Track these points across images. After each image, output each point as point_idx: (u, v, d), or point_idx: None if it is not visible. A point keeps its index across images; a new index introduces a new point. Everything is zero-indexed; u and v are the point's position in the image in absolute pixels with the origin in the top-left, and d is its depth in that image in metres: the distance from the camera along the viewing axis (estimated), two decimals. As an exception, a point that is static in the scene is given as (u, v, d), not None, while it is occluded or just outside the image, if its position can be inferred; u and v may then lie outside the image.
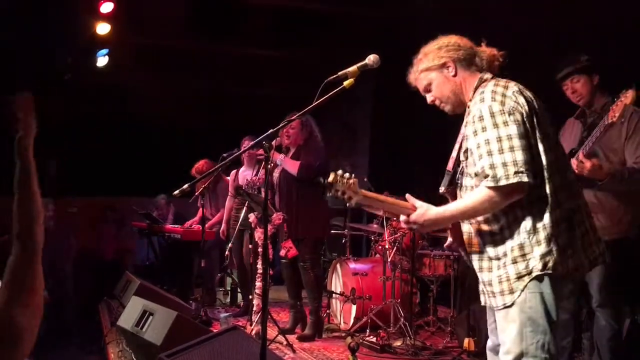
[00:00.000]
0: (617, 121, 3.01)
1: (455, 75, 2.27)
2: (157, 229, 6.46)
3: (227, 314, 5.21)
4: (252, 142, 2.84)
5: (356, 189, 2.23)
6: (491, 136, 2.04)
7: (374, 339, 4.64)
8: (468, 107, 2.25)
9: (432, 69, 2.29)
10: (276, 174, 5.00)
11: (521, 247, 2.08)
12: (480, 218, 2.18)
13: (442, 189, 2.39)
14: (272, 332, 4.58)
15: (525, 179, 2.00)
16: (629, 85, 2.98)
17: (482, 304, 2.29)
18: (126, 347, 4.19)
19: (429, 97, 2.35)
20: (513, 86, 2.15)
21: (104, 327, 5.13)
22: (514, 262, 2.09)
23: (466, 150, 2.20)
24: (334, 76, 2.40)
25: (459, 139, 2.33)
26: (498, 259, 2.14)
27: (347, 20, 6.93)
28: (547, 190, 2.07)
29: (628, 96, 2.95)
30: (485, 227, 2.16)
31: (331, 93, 2.39)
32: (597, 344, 3.43)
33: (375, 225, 5.55)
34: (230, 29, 6.96)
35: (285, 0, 6.96)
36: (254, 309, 4.67)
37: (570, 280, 2.16)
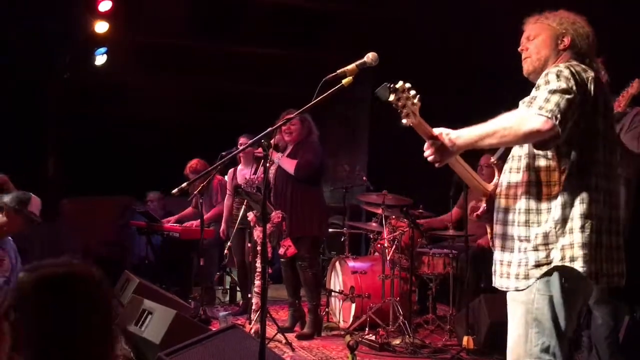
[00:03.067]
0: (622, 110, 3.04)
1: (563, 50, 2.20)
2: (155, 227, 6.45)
3: (226, 312, 5.22)
4: (251, 140, 2.84)
5: (416, 111, 2.15)
6: (551, 85, 2.01)
7: (373, 338, 4.64)
8: None
9: (552, 29, 2.21)
10: (272, 172, 4.99)
11: (545, 235, 2.05)
12: (512, 196, 2.14)
13: (493, 159, 2.35)
14: (271, 330, 4.58)
15: (555, 121, 1.95)
16: (636, 76, 3.00)
17: (493, 284, 2.25)
18: (125, 345, 4.18)
19: (523, 44, 2.28)
20: (591, 73, 2.10)
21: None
22: (536, 249, 2.06)
23: None
24: (333, 74, 2.39)
25: None
26: (521, 241, 2.11)
27: (347, 20, 6.93)
28: (586, 184, 2.04)
29: (634, 86, 2.98)
30: (515, 206, 2.13)
31: (330, 91, 2.38)
32: (594, 343, 3.43)
33: (374, 224, 5.54)
34: (229, 27, 6.95)
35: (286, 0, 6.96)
36: (253, 307, 4.67)
37: (584, 282, 2.07)
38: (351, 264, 5.26)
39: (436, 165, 2.17)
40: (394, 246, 5.11)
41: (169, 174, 6.10)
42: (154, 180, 7.56)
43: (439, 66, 6.15)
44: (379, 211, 5.29)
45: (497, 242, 2.21)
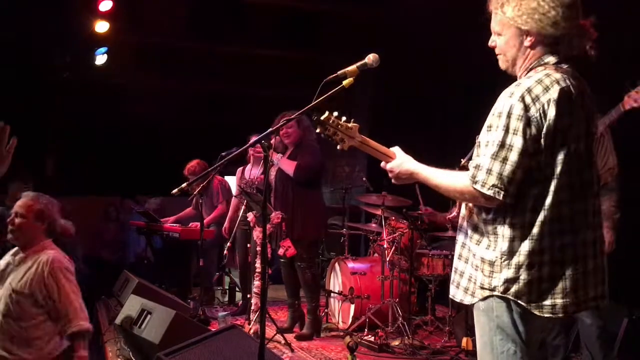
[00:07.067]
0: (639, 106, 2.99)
1: (530, 47, 2.02)
2: (155, 227, 6.45)
3: (225, 312, 5.21)
4: (250, 142, 2.84)
5: (354, 133, 2.20)
6: (495, 138, 1.93)
7: (372, 338, 4.64)
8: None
9: (512, 26, 2.01)
10: (272, 173, 4.99)
11: (491, 263, 1.99)
12: (470, 208, 2.10)
13: (463, 161, 2.35)
14: (270, 331, 4.58)
15: (499, 196, 1.91)
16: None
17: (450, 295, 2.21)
18: (124, 345, 4.19)
19: (492, 41, 2.12)
20: (555, 92, 1.92)
21: (102, 326, 5.13)
22: (482, 271, 2.02)
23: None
24: (333, 75, 2.39)
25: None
26: (473, 255, 2.07)
27: (347, 20, 6.94)
28: (540, 217, 1.93)
29: None
30: (475, 220, 2.09)
31: (330, 92, 2.38)
32: (585, 344, 3.43)
33: (373, 225, 5.54)
34: (230, 28, 6.96)
35: (286, 0, 6.96)
36: (252, 307, 4.67)
37: (539, 314, 1.96)
38: (350, 264, 5.26)
39: (392, 181, 2.24)
40: (394, 247, 5.11)
41: (169, 173, 6.11)
42: (153, 180, 7.57)
43: (439, 66, 6.15)
44: (379, 212, 5.29)
45: (457, 249, 2.18)
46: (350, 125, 2.21)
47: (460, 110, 6.03)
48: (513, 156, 1.90)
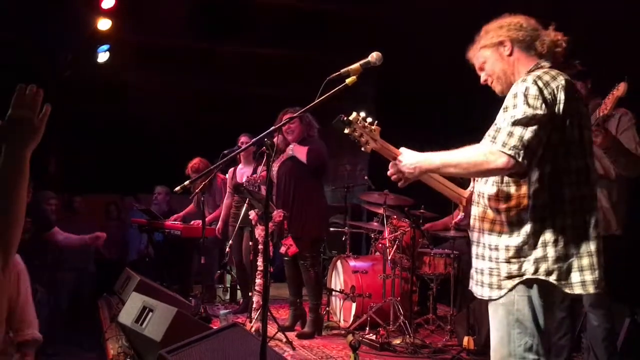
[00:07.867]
0: (609, 113, 3.05)
1: (510, 55, 2.21)
2: (157, 225, 6.46)
3: (227, 310, 5.21)
4: (254, 139, 2.83)
5: (376, 136, 2.24)
6: (515, 113, 2.00)
7: (373, 337, 4.64)
8: None
9: (489, 47, 2.25)
10: (274, 170, 4.99)
11: (518, 249, 2.06)
12: (487, 203, 2.14)
13: None
14: (271, 329, 4.58)
15: (518, 158, 1.96)
16: (621, 78, 3.00)
17: (469, 287, 2.27)
18: (126, 343, 4.19)
19: (482, 76, 2.32)
20: (561, 80, 2.06)
21: (103, 323, 5.14)
22: (508, 261, 2.07)
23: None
24: (336, 74, 2.39)
25: None
26: (491, 249, 2.12)
27: (348, 20, 6.92)
28: (558, 196, 2.04)
29: (620, 89, 2.99)
30: (490, 215, 2.14)
31: (333, 91, 2.39)
32: (591, 345, 3.44)
33: (375, 223, 5.55)
34: (231, 28, 6.95)
35: (286, 0, 6.95)
36: (254, 306, 4.68)
37: (562, 290, 2.07)
38: (352, 263, 5.27)
39: (399, 184, 2.25)
40: (395, 246, 5.11)
41: (170, 172, 6.12)
42: (154, 178, 7.58)
43: (439, 66, 6.14)
44: (381, 211, 5.29)
45: (473, 249, 2.23)
46: (373, 127, 2.25)
47: (461, 110, 6.03)
48: (533, 125, 1.99)
